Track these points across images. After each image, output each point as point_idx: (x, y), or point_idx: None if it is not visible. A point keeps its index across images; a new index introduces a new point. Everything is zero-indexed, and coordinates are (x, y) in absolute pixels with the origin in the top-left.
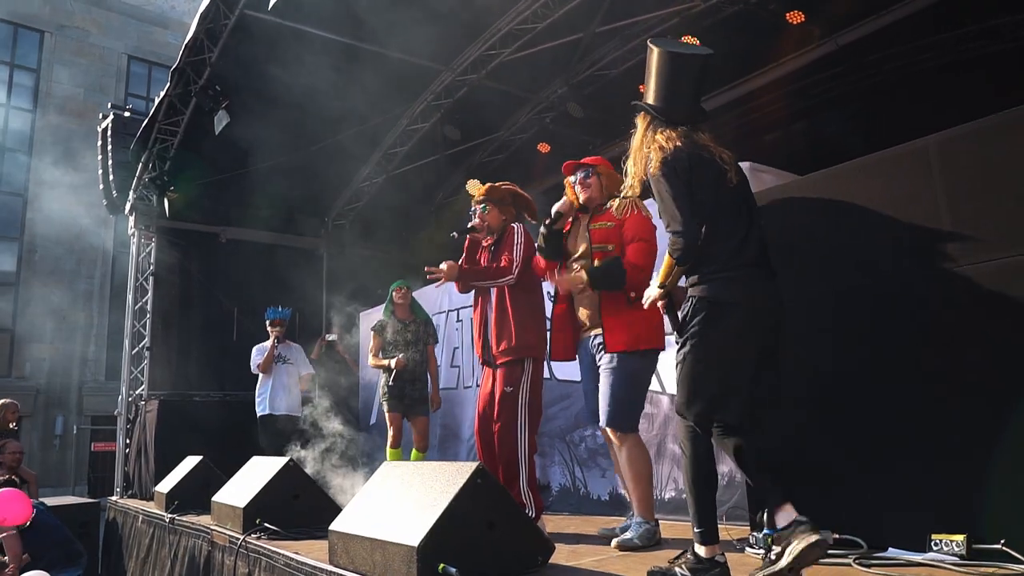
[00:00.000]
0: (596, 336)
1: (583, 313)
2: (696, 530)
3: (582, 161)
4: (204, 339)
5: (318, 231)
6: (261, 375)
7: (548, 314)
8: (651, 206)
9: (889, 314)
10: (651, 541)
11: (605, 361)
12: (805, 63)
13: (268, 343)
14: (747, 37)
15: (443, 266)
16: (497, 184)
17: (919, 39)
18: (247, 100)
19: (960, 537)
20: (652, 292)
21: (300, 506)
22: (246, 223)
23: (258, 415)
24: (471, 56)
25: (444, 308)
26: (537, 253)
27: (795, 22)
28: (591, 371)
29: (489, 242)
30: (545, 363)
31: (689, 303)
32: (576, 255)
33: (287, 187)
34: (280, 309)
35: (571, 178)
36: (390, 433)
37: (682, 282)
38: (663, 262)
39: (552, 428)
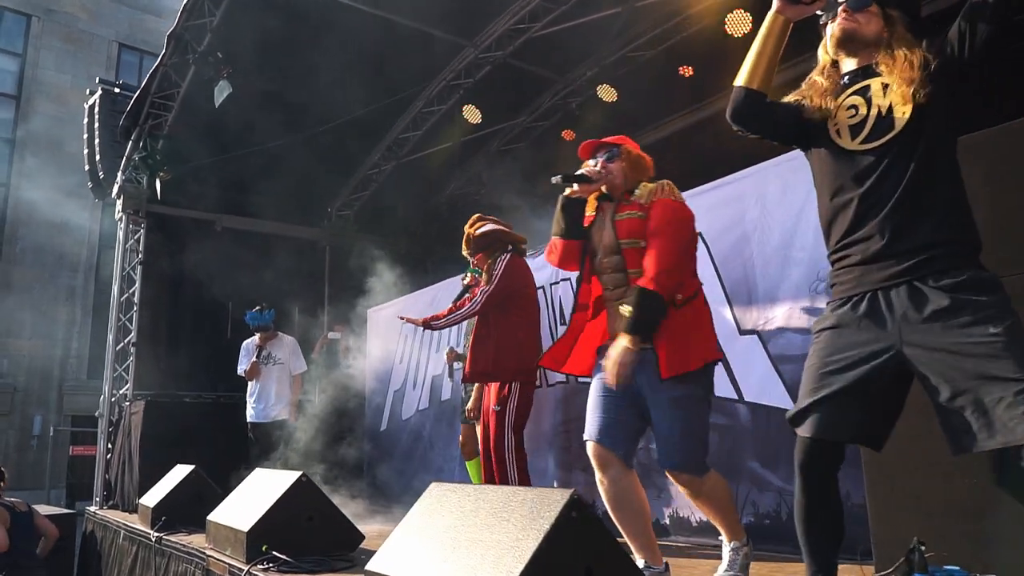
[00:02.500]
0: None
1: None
2: None
3: (603, 140)
4: (196, 335)
5: (321, 221)
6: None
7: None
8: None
9: None
10: (748, 568)
11: (662, 391)
12: None
13: (255, 344)
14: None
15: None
16: (472, 233)
17: None
18: (249, 73)
19: None
20: None
21: (315, 531)
22: (244, 211)
23: (248, 421)
24: (497, 31)
25: None
26: (553, 236)
27: None
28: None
29: (482, 285)
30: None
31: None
32: (603, 252)
33: (289, 172)
34: (261, 312)
35: (590, 162)
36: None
37: None
38: None
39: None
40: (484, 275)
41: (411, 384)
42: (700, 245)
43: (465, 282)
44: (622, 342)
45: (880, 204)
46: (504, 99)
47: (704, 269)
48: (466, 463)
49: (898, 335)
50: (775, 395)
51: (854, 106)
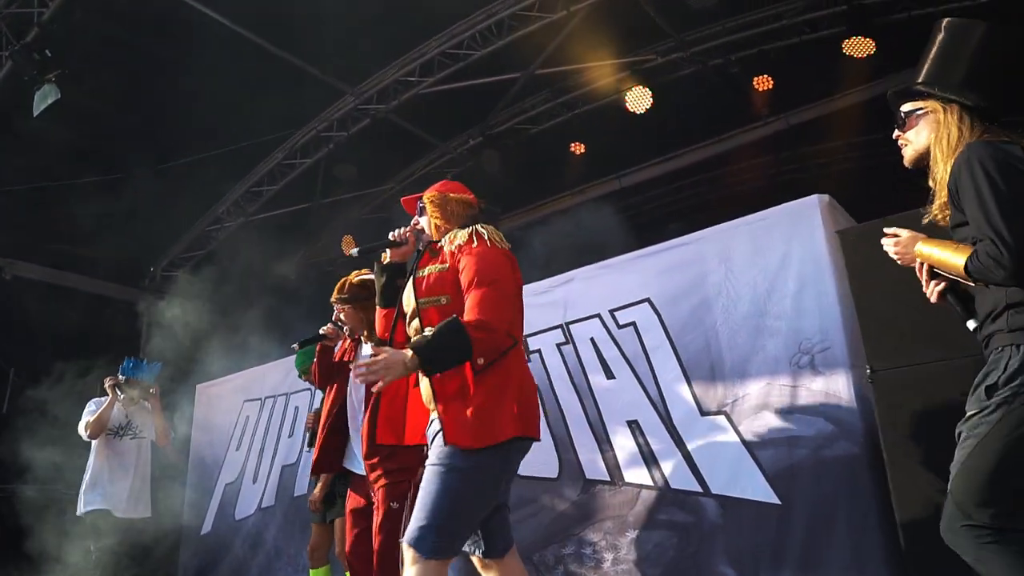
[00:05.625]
0: (432, 420)
1: (424, 389)
2: None
3: (421, 194)
4: None
5: (140, 280)
6: (94, 456)
7: None
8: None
9: None
10: None
11: (435, 453)
12: (756, 138)
13: (107, 398)
14: (706, 100)
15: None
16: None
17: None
18: (74, 87)
19: None
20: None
21: None
22: (43, 258)
23: (81, 510)
24: (384, 81)
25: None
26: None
27: (762, 88)
28: None
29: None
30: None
31: (1018, 353)
32: (407, 316)
33: (108, 217)
34: (145, 363)
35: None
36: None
37: None
38: (947, 253)
39: None
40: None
41: (251, 476)
42: (650, 313)
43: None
44: (400, 356)
45: None
46: (376, 160)
47: (654, 339)
48: (311, 572)
49: None
50: (751, 486)
51: None
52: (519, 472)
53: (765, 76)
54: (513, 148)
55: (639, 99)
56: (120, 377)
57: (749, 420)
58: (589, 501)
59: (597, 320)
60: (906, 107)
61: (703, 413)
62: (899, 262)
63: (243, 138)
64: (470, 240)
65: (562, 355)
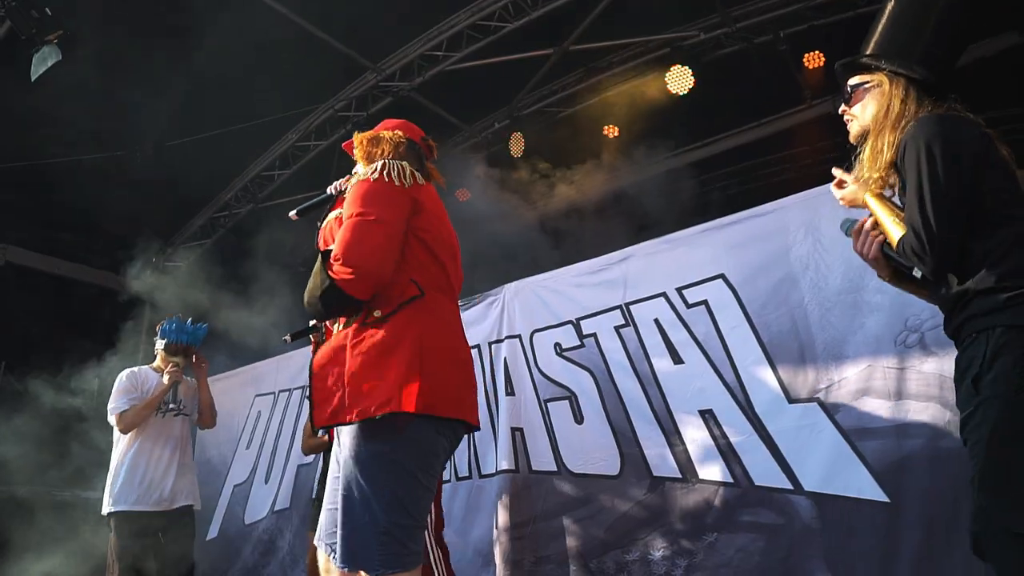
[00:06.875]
0: None
1: None
2: None
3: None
4: None
5: (142, 270)
6: (126, 439)
7: None
8: None
9: None
10: None
11: (338, 448)
12: (803, 120)
13: (149, 373)
14: (751, 79)
15: None
16: None
17: None
18: (76, 52)
19: None
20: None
21: None
22: (40, 244)
23: (108, 510)
24: (408, 56)
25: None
26: None
27: (812, 66)
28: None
29: None
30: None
31: (993, 336)
32: None
33: (109, 202)
34: (189, 324)
35: None
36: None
37: None
38: (889, 220)
39: (560, 550)
40: None
41: (263, 476)
42: (724, 290)
43: None
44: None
45: None
46: None
47: (730, 319)
48: None
49: None
50: (853, 482)
51: None
52: (572, 470)
53: (817, 52)
54: (542, 131)
55: (680, 79)
56: (159, 341)
57: (848, 408)
58: (657, 501)
59: (662, 299)
60: (853, 80)
61: (791, 400)
62: (844, 204)
63: (254, 117)
64: (364, 175)
65: (622, 338)
